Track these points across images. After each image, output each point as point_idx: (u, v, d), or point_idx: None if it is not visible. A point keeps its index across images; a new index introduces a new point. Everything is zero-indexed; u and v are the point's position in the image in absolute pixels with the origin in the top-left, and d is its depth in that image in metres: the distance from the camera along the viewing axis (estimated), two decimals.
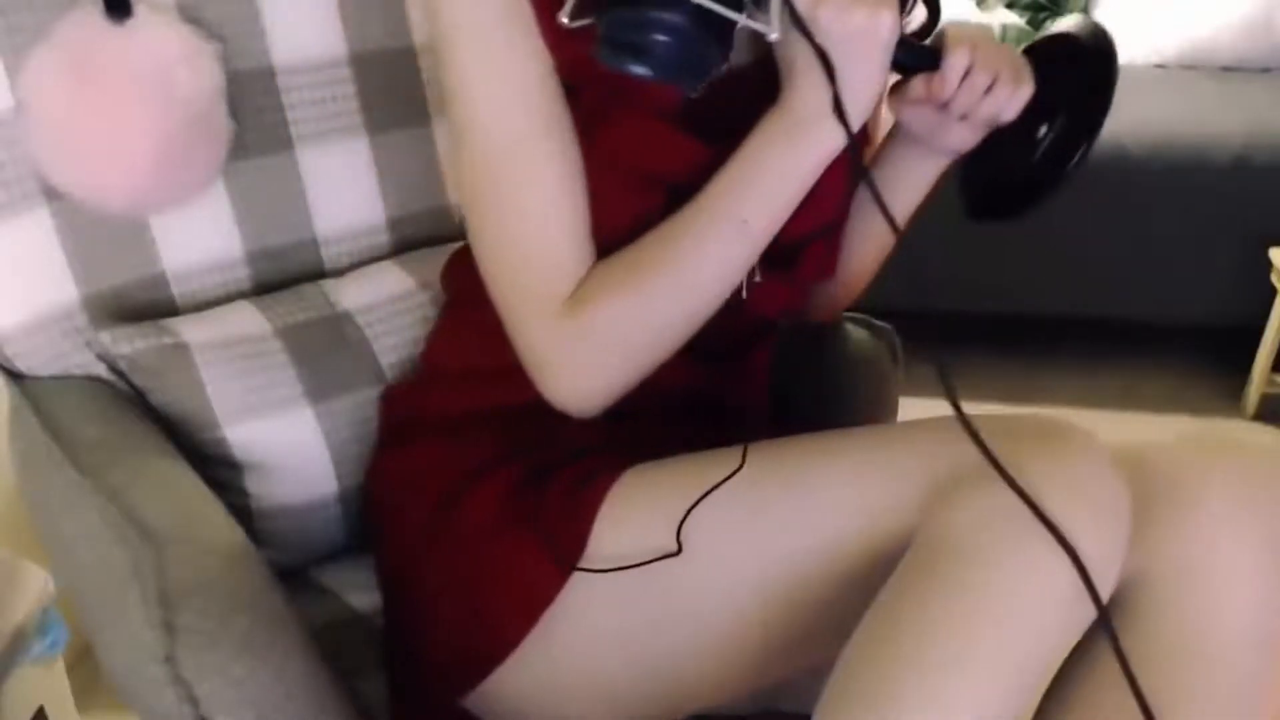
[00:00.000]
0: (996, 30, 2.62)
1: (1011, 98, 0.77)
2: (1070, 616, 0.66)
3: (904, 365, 1.18)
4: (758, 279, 0.82)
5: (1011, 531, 0.64)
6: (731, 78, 0.74)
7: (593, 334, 0.77)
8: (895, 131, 0.88)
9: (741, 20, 0.68)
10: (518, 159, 0.75)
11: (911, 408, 1.16)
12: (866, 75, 0.72)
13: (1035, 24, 2.67)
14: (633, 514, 0.76)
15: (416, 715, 0.87)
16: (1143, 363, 2.41)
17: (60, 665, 1.18)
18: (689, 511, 0.74)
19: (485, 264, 0.80)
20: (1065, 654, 0.67)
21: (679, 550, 0.73)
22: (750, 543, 0.73)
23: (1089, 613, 0.66)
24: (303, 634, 0.78)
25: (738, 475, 0.74)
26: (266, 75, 1.02)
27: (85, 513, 0.83)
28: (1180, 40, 2.61)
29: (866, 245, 0.96)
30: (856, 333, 1.16)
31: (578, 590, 0.76)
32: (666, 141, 0.77)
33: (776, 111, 0.75)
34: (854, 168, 0.78)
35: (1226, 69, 2.59)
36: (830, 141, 0.73)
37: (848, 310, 1.09)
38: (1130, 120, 2.17)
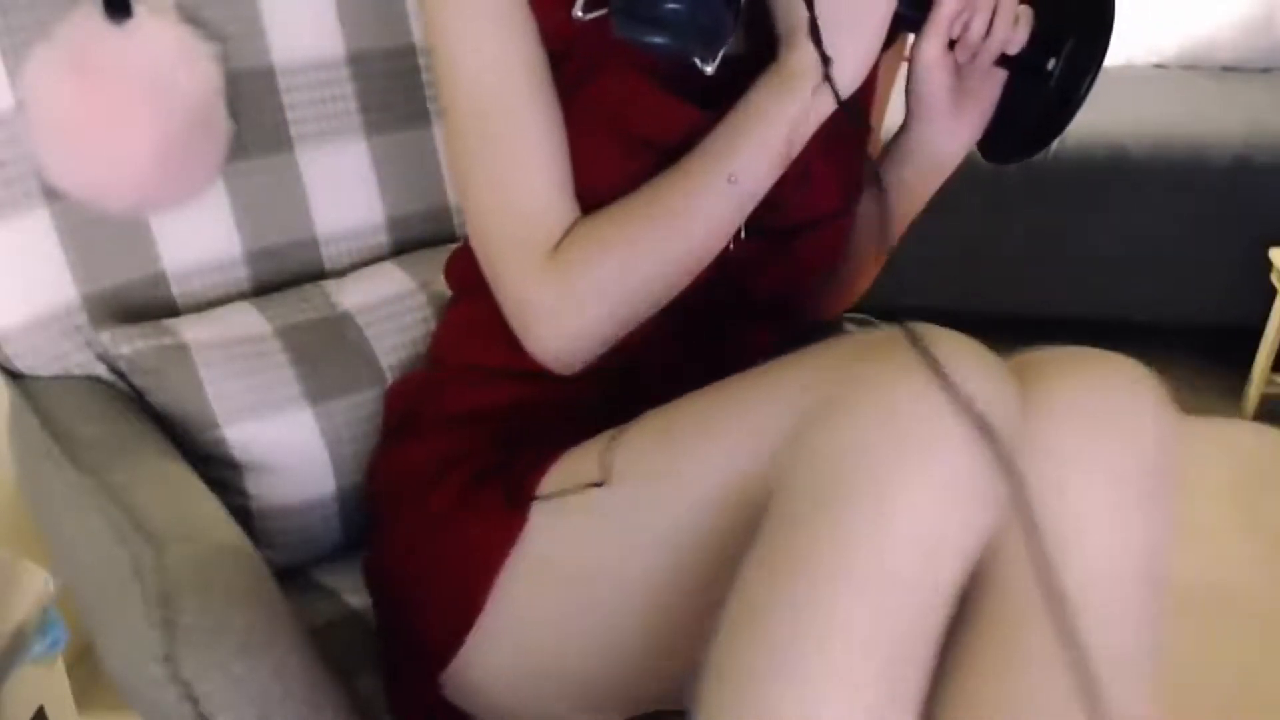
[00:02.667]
0: None
1: (1017, 20, 0.78)
2: (944, 555, 0.61)
3: None
4: (743, 236, 0.83)
5: (863, 469, 0.60)
6: (730, 58, 0.76)
7: (576, 282, 0.78)
8: (912, 114, 0.87)
9: None
10: (502, 117, 0.78)
11: None
12: (860, 37, 0.74)
13: None
14: (579, 464, 0.76)
15: (411, 710, 0.87)
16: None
17: (60, 665, 1.18)
18: (613, 437, 0.74)
19: (473, 222, 0.82)
20: (948, 608, 0.62)
21: (601, 482, 0.73)
22: (663, 491, 0.72)
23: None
24: (302, 632, 0.78)
25: (656, 423, 0.74)
26: (266, 75, 1.02)
27: (85, 512, 0.83)
28: (1180, 40, 2.61)
29: (869, 235, 0.96)
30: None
31: (529, 546, 0.76)
32: (652, 101, 0.79)
33: (771, 70, 0.77)
34: (851, 119, 0.79)
35: (1226, 69, 2.59)
36: (822, 105, 0.75)
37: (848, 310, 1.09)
38: (1130, 120, 2.17)
